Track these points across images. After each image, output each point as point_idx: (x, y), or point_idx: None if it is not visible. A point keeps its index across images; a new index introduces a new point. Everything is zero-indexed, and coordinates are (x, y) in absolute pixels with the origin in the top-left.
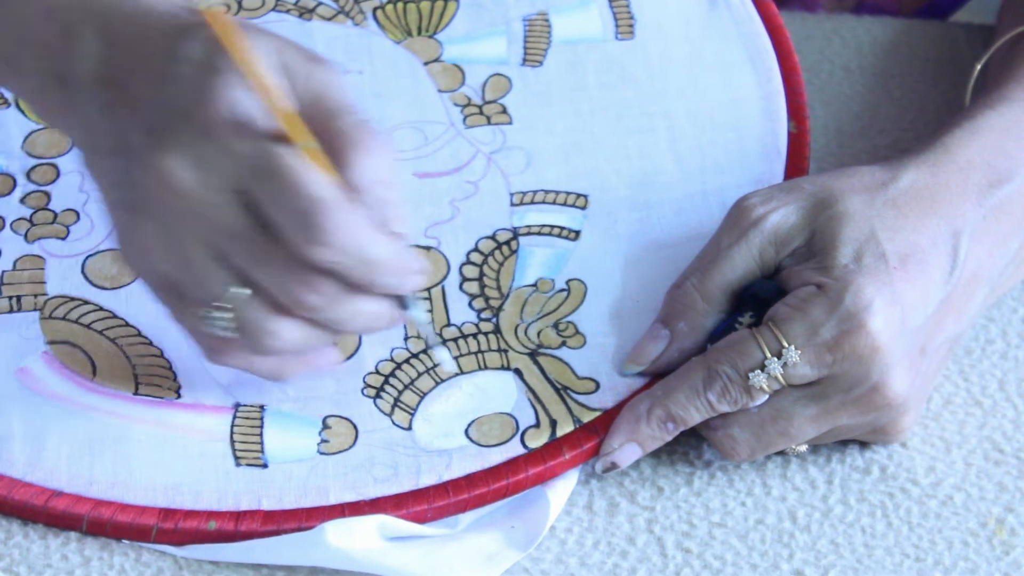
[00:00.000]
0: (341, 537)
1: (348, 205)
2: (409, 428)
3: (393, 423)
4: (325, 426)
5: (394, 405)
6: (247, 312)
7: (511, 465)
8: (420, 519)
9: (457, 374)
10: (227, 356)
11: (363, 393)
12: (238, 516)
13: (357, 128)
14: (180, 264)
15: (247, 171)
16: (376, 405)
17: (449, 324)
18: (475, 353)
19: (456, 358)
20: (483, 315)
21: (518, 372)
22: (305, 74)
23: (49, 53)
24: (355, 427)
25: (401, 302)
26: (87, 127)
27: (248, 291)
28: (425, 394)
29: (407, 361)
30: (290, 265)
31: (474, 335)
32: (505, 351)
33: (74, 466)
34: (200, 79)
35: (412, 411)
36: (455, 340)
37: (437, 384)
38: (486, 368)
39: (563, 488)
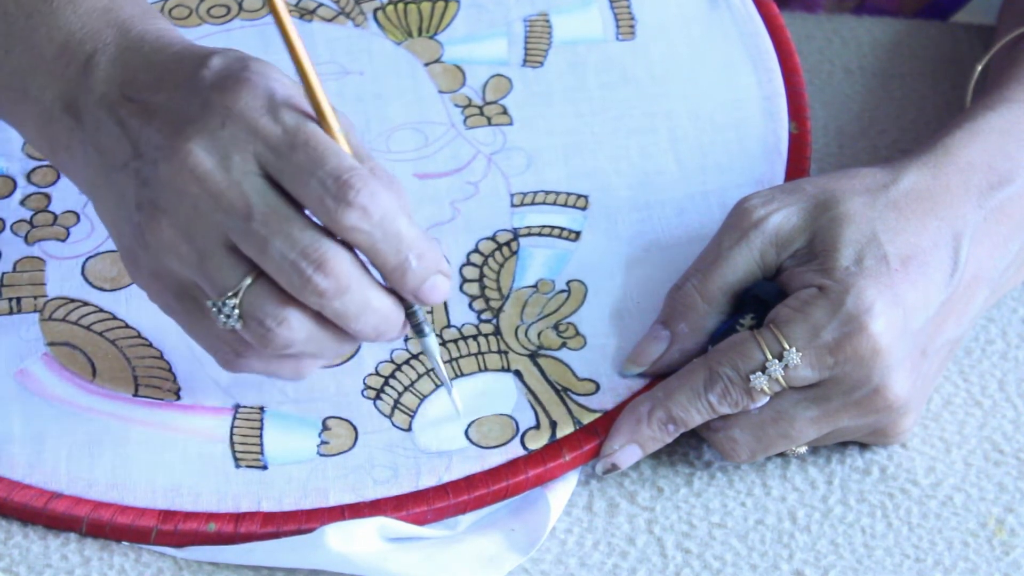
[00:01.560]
0: (341, 540)
1: (378, 180)
2: (409, 429)
3: (393, 424)
4: (325, 427)
5: (394, 407)
6: (256, 300)
7: (511, 467)
8: (420, 521)
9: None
10: (243, 361)
11: (363, 395)
12: (238, 518)
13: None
14: (194, 258)
15: (272, 148)
16: (376, 407)
17: (449, 325)
18: (475, 355)
19: (456, 359)
20: (483, 316)
21: (518, 374)
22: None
23: (61, 82)
24: (355, 428)
25: (416, 326)
26: (98, 144)
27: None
28: (425, 396)
29: (407, 363)
30: (305, 246)
31: (474, 337)
32: (505, 352)
33: (73, 468)
34: (222, 78)
35: (412, 413)
36: (455, 341)
37: (438, 387)
38: (486, 370)
39: (563, 490)
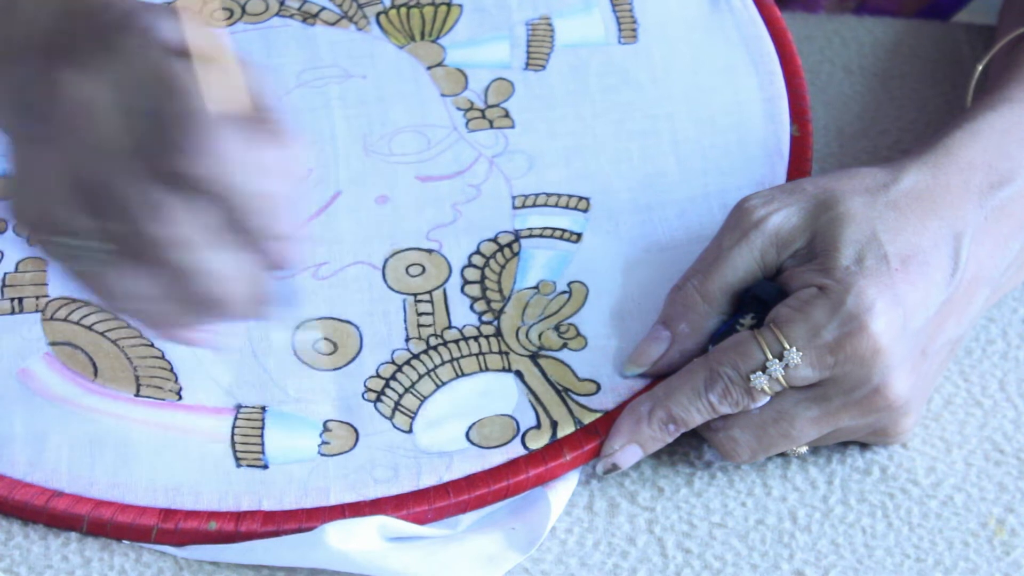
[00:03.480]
0: (342, 539)
1: (232, 126)
2: (410, 431)
3: (394, 426)
4: (326, 428)
5: (395, 409)
6: (93, 253)
7: (512, 466)
8: (420, 520)
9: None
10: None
11: (364, 397)
12: (238, 517)
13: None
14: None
15: (140, 85)
16: (376, 408)
17: (450, 327)
18: (476, 355)
19: (457, 359)
20: (484, 318)
21: (519, 374)
22: None
23: None
24: (355, 430)
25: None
26: None
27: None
28: (426, 398)
29: (408, 363)
30: (158, 192)
31: (475, 338)
32: (506, 353)
33: (75, 467)
34: (115, 16)
35: (412, 414)
36: (456, 342)
37: (438, 387)
38: (487, 370)
39: (564, 490)
